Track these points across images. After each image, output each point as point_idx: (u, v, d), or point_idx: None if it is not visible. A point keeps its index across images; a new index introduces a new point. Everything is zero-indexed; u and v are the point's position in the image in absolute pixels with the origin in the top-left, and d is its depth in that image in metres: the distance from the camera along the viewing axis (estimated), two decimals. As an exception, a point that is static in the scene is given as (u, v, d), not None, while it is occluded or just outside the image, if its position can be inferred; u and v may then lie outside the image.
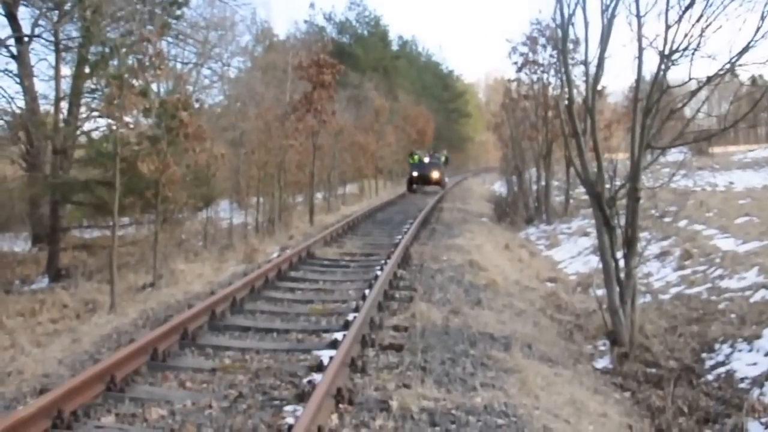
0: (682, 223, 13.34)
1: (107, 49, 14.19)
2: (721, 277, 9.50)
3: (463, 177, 52.94)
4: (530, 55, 18.90)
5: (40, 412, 4.15)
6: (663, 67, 6.77)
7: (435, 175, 31.79)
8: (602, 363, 7.12)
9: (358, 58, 48.39)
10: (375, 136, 33.37)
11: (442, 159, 33.62)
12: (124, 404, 4.78)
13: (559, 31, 7.60)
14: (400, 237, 13.02)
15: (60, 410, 4.29)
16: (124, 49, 11.18)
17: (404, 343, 6.34)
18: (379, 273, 9.16)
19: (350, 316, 6.73)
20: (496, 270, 11.02)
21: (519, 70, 19.43)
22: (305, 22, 50.03)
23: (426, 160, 32.09)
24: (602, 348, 7.57)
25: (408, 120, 44.51)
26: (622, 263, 7.18)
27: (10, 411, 4.59)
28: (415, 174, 31.97)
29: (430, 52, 69.56)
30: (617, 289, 7.11)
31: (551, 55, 17.77)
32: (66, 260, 17.98)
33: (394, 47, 59.54)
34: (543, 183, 20.38)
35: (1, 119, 18.52)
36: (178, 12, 20.31)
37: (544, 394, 5.33)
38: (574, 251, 14.12)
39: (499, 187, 35.44)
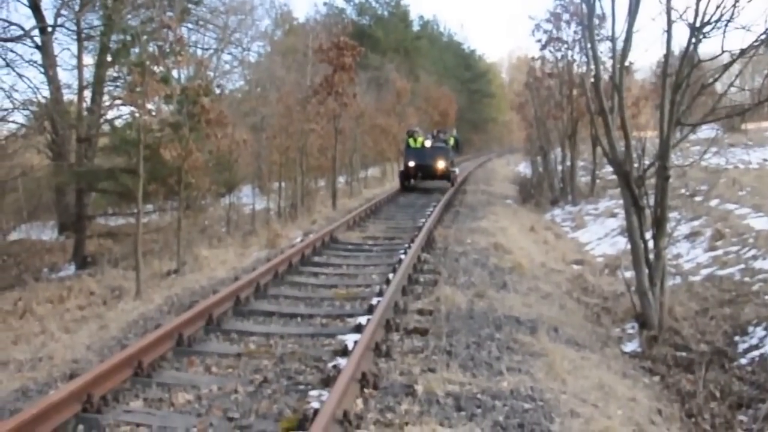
0: (714, 203, 13.06)
1: (128, 37, 14.19)
2: (754, 258, 9.27)
3: (487, 158, 52.55)
4: (554, 32, 18.55)
5: (71, 397, 4.17)
6: (693, 40, 6.57)
7: (440, 164, 20.80)
8: (631, 346, 7.00)
9: (378, 39, 48.01)
10: (397, 118, 32.91)
11: (451, 142, 22.76)
12: (151, 389, 4.80)
13: (584, 6, 7.40)
14: (423, 220, 12.90)
15: (89, 395, 4.31)
16: (144, 37, 11.15)
17: (429, 327, 6.28)
18: (402, 257, 9.06)
19: (374, 301, 6.66)
20: (522, 252, 10.87)
21: (543, 47, 19.11)
22: (324, 4, 49.74)
23: (428, 143, 21.48)
24: (631, 331, 7.44)
25: (430, 101, 44.11)
26: (651, 244, 7.02)
27: (42, 395, 4.61)
28: (411, 163, 21.13)
29: (452, 32, 68.89)
30: (646, 270, 6.97)
31: (576, 32, 17.44)
32: (92, 248, 18.21)
33: (415, 27, 58.90)
34: (568, 163, 20.09)
35: (27, 109, 18.67)
36: (198, -3, 20.31)
37: (571, 378, 5.24)
38: (601, 233, 13.91)
39: (524, 168, 34.74)
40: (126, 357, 4.86)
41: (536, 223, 15.75)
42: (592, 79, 7.39)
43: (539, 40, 18.90)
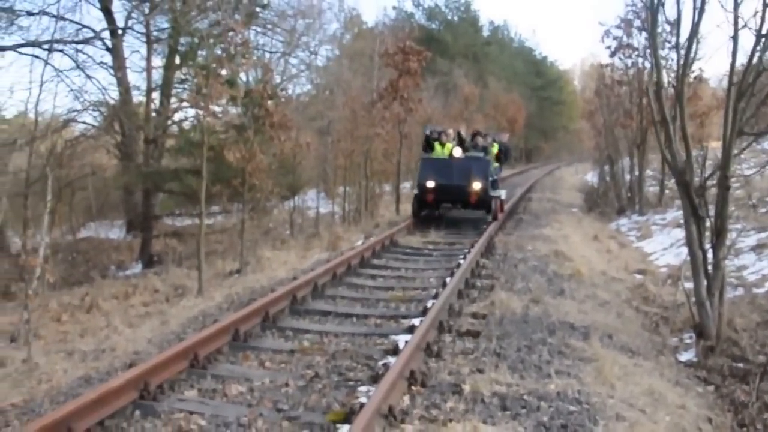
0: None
1: (195, 40, 14.72)
2: (823, 271, 8.98)
3: (556, 166, 51.79)
4: (624, 38, 18.23)
5: (129, 384, 4.47)
6: (759, 47, 6.46)
7: (476, 185, 13.35)
8: (687, 356, 6.91)
9: (447, 44, 48.07)
10: (464, 124, 32.98)
11: (493, 151, 14.59)
12: (206, 380, 5.08)
13: (649, 13, 7.36)
14: (485, 226, 12.95)
15: (146, 383, 4.60)
16: (211, 40, 11.59)
17: (481, 330, 6.39)
18: (461, 261, 9.19)
19: (429, 303, 6.83)
20: (582, 260, 10.80)
21: (612, 54, 18.75)
22: (394, 8, 50.07)
23: (457, 152, 13.80)
24: (688, 341, 7.33)
25: (498, 108, 43.97)
26: (711, 254, 6.93)
27: (102, 382, 4.94)
28: (430, 184, 13.57)
29: (523, 38, 68.58)
30: (704, 280, 6.87)
31: (647, 39, 17.05)
32: (158, 247, 18.90)
33: (485, 33, 58.73)
34: (636, 172, 19.69)
35: (97, 110, 19.52)
36: (265, 1, 20.78)
37: (620, 383, 5.26)
38: (667, 243, 13.61)
39: (592, 177, 34.09)
40: (183, 349, 5.17)
41: (600, 231, 15.54)
42: (654, 87, 7.30)
43: (609, 47, 18.61)
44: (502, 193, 15.16)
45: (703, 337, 6.79)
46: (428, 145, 14.34)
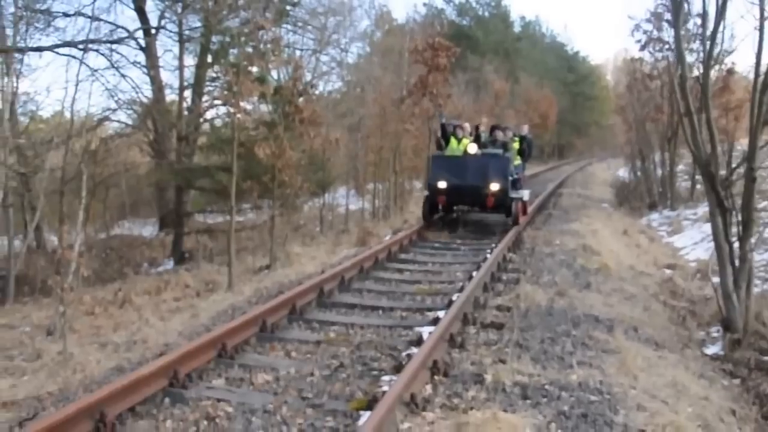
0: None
1: (227, 39, 14.92)
2: None
3: (588, 162, 51.35)
4: (654, 32, 18.04)
5: (159, 372, 4.62)
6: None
7: (493, 185, 11.94)
8: (713, 349, 6.89)
9: (477, 40, 47.91)
10: (495, 120, 32.82)
11: (514, 147, 13.29)
12: (233, 369, 5.22)
13: (672, 4, 7.33)
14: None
15: (176, 371, 4.75)
16: (243, 38, 11.76)
17: (505, 322, 6.43)
18: (488, 256, 9.23)
19: (454, 296, 6.89)
20: (610, 255, 10.77)
21: (642, 48, 18.57)
22: (424, 5, 49.86)
23: (472, 149, 12.40)
24: (715, 334, 7.31)
25: (530, 104, 43.70)
26: (738, 247, 6.88)
27: (134, 370, 5.11)
28: (441, 184, 12.20)
29: (555, 33, 67.72)
30: (731, 273, 6.83)
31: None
32: (190, 244, 19.16)
33: (516, 28, 58.37)
34: (667, 167, 19.48)
35: (131, 108, 19.89)
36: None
37: (643, 375, 5.28)
38: (698, 237, 13.50)
39: (624, 173, 33.77)
40: (211, 339, 5.31)
41: (630, 226, 15.43)
42: (679, 79, 7.27)
43: (639, 41, 18.42)
44: (525, 194, 13.43)
45: (729, 330, 6.77)
46: (444, 137, 12.97)
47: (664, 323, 7.56)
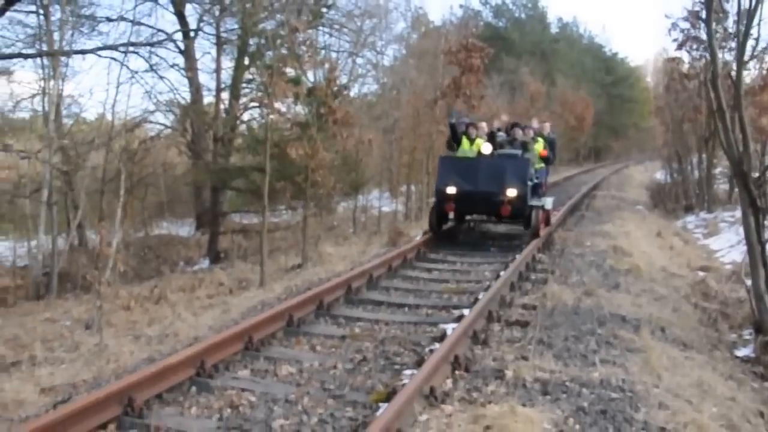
0: None
1: (263, 41, 15.15)
2: None
3: (624, 165, 50.71)
4: (691, 30, 17.73)
5: (187, 361, 4.77)
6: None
7: (510, 191, 10.35)
8: (744, 351, 6.81)
9: (514, 42, 47.73)
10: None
11: (537, 148, 11.76)
12: (258, 361, 5.35)
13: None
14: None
15: (203, 361, 4.89)
16: (278, 41, 11.95)
17: (530, 320, 6.44)
18: (517, 256, 9.21)
19: (481, 295, 6.93)
20: (642, 256, 10.66)
21: (679, 47, 18.27)
22: (460, 6, 50.04)
23: (486, 149, 10.96)
24: (747, 337, 7.21)
25: (566, 106, 43.31)
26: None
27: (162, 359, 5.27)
28: (450, 190, 10.54)
29: (593, 34, 66.89)
30: (763, 275, 6.74)
31: (716, 30, 16.47)
32: (225, 244, 19.52)
33: (553, 30, 57.92)
34: (705, 168, 19.16)
35: (170, 110, 20.32)
36: (330, 1, 21.14)
37: (667, 374, 5.24)
38: (734, 240, 13.25)
39: (662, 176, 33.24)
40: (238, 332, 5.45)
41: (665, 229, 15.23)
42: (711, 76, 7.19)
43: (675, 40, 18.13)
44: (548, 202, 11.85)
45: (761, 332, 6.68)
46: (454, 139, 11.62)
47: (693, 324, 7.48)
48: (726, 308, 8.32)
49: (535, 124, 12.49)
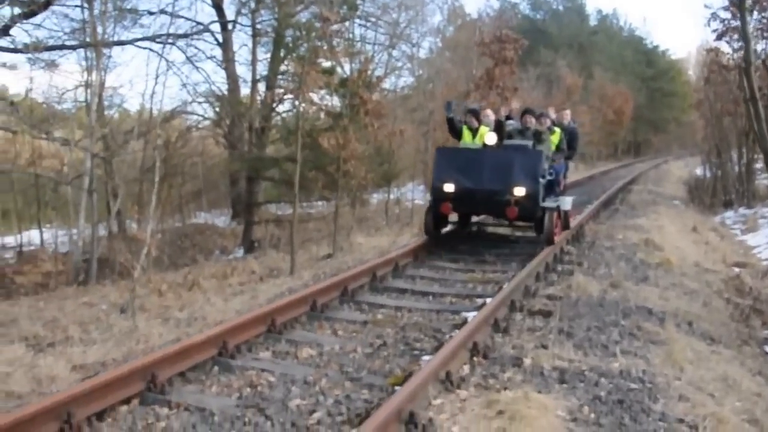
0: None
1: (298, 32, 15.30)
2: None
3: (664, 160, 49.83)
4: (732, 21, 17.29)
5: (209, 341, 4.90)
6: None
7: (518, 190, 8.83)
8: (775, 348, 6.67)
9: (551, 34, 47.25)
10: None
11: (552, 140, 10.11)
12: (280, 344, 5.45)
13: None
14: (578, 216, 12.76)
15: (225, 342, 5.01)
16: (313, 33, 12.05)
17: (553, 310, 6.41)
18: (545, 247, 9.15)
19: (505, 285, 6.93)
20: (674, 250, 10.51)
21: (719, 38, 17.84)
22: (498, -1, 49.44)
23: (490, 139, 9.40)
24: (780, 334, 7.07)
25: (604, 99, 42.71)
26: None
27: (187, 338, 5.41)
28: (448, 187, 9.10)
29: (633, 27, 65.85)
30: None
31: (758, 20, 16.07)
32: (259, 233, 19.80)
33: (592, 22, 57.16)
34: (745, 163, 18.74)
35: (207, 101, 20.64)
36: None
37: (691, 367, 5.19)
38: (774, 236, 13.02)
39: (701, 171, 32.60)
40: (261, 314, 5.57)
41: (701, 224, 14.96)
42: (743, 63, 7.05)
43: (715, 30, 17.71)
44: (567, 202, 10.28)
45: (794, 328, 6.54)
46: (453, 133, 10.24)
47: (723, 320, 7.37)
48: (760, 304, 8.16)
49: (552, 113, 10.95)
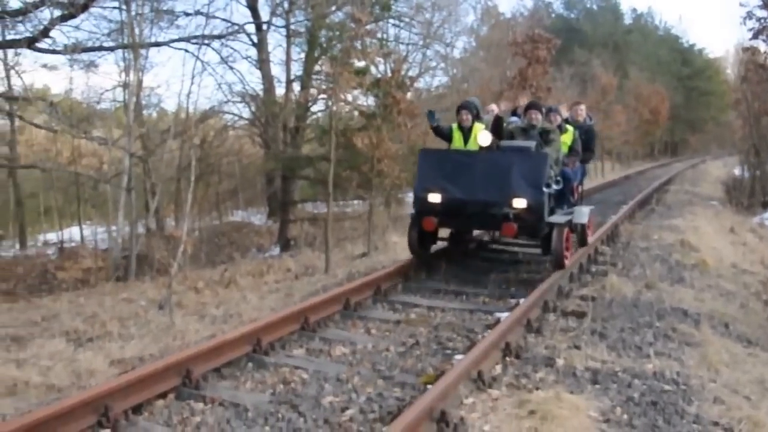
0: None
1: (332, 33, 15.41)
2: None
3: (701, 160, 48.99)
4: (767, 19, 16.94)
5: (243, 338, 4.99)
6: None
7: (517, 202, 7.08)
8: (815, 351, 6.54)
9: (585, 34, 46.81)
10: (601, 115, 31.60)
11: (563, 140, 8.36)
12: (313, 341, 5.53)
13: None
14: (613, 216, 12.66)
15: (259, 339, 5.10)
16: (346, 33, 12.14)
17: (587, 311, 6.39)
18: (579, 248, 9.09)
19: (539, 285, 6.91)
20: (711, 251, 10.36)
21: (754, 37, 17.48)
22: (531, -2, 49.06)
23: (484, 139, 7.58)
24: (820, 337, 6.92)
25: (639, 99, 42.09)
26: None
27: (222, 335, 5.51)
28: (434, 198, 7.39)
29: (669, 25, 64.84)
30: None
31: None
32: (295, 232, 19.92)
33: (627, 21, 56.48)
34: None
35: (243, 101, 20.87)
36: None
37: (727, 370, 5.14)
38: (815, 238, 12.73)
39: (740, 171, 31.96)
40: (294, 312, 5.65)
41: (739, 225, 14.69)
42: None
43: (751, 29, 17.37)
44: (582, 214, 8.49)
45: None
46: (440, 136, 8.72)
47: (761, 322, 7.25)
48: (799, 307, 8.01)
49: (564, 111, 9.31)
